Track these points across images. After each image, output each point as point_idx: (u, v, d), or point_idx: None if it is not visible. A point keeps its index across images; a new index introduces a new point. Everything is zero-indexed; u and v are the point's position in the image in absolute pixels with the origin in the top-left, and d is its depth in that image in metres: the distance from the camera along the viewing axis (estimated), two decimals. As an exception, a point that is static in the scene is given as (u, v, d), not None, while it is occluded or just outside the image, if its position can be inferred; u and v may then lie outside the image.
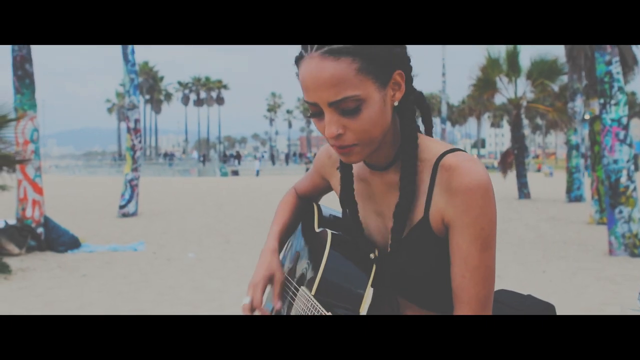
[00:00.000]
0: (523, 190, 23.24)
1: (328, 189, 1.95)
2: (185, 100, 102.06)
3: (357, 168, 1.71)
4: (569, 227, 14.50)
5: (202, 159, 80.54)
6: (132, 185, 16.81)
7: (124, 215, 16.68)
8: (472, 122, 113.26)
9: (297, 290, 1.73)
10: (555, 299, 7.23)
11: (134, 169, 16.92)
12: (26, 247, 10.67)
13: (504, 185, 26.69)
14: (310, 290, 1.61)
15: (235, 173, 56.56)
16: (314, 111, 1.49)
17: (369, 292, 1.58)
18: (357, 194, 1.71)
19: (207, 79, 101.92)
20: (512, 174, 24.52)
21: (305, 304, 1.61)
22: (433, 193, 1.53)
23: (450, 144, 1.60)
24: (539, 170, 53.59)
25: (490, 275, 1.51)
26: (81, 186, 33.02)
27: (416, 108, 1.64)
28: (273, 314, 1.79)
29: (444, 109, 26.58)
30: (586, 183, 21.77)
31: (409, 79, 1.56)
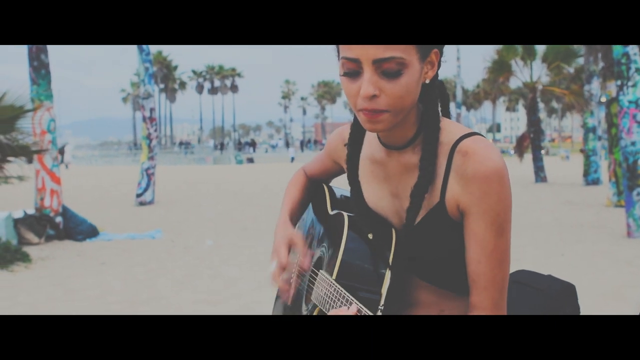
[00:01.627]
0: (540, 174, 23.14)
1: (338, 172, 1.94)
2: (200, 88, 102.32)
3: (372, 149, 1.69)
4: (587, 210, 14.43)
5: (219, 147, 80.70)
6: (148, 174, 16.88)
7: (141, 203, 16.76)
8: (487, 106, 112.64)
9: (316, 274, 1.73)
10: (574, 282, 7.18)
11: (150, 158, 16.99)
12: (45, 237, 10.75)
13: (521, 169, 26.57)
14: (331, 275, 1.60)
15: (251, 160, 56.63)
16: (350, 69, 1.46)
17: (389, 273, 1.58)
18: (373, 175, 1.70)
19: (221, 67, 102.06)
20: (528, 158, 24.40)
21: (328, 288, 1.61)
22: (449, 178, 1.52)
23: (468, 128, 1.59)
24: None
25: (505, 259, 1.52)
26: (98, 176, 33.21)
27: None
28: (296, 274, 1.79)
29: (459, 93, 26.47)
30: (603, 166, 21.62)
31: (439, 62, 1.56)
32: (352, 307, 1.48)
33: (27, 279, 7.88)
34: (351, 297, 1.52)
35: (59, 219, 11.25)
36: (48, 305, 6.57)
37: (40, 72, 11.40)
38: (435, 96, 1.58)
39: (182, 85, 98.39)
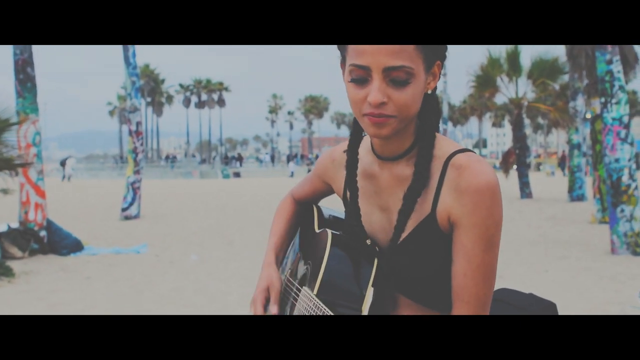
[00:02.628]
0: (525, 190, 23.24)
1: (328, 192, 1.96)
2: (187, 102, 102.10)
3: (363, 164, 1.72)
4: (571, 226, 14.51)
5: (202, 161, 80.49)
6: (134, 188, 16.83)
7: (127, 217, 16.70)
8: (473, 122, 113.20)
9: (300, 291, 1.74)
10: (558, 299, 7.22)
11: (136, 172, 16.94)
12: (29, 251, 10.68)
13: (506, 184, 26.67)
14: (313, 290, 1.62)
15: (237, 175, 56.53)
16: (359, 75, 1.49)
17: (370, 291, 1.60)
18: (362, 191, 1.72)
19: (208, 81, 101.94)
20: (514, 174, 24.51)
21: (308, 303, 1.63)
22: (441, 190, 1.55)
23: (460, 144, 1.62)
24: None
25: (491, 275, 1.53)
26: (83, 189, 33.04)
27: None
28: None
29: (445, 109, 26.54)
30: (588, 182, 21.77)
31: (440, 74, 1.60)
32: None
33: (10, 294, 7.82)
34: (328, 310, 1.53)
35: (43, 233, 11.18)
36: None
37: (26, 85, 11.36)
38: (433, 109, 1.62)
39: (169, 98, 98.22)
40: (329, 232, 1.70)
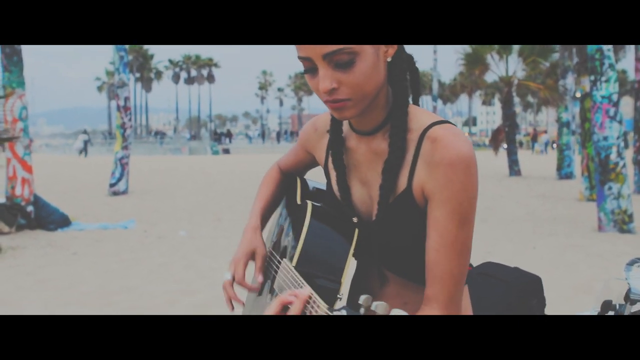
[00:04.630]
0: (514, 168, 23.29)
1: (312, 163, 1.93)
2: (176, 78, 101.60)
3: (345, 138, 1.69)
4: (559, 204, 14.56)
5: (192, 137, 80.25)
6: (122, 164, 16.74)
7: (115, 193, 16.63)
8: (463, 100, 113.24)
9: (280, 263, 1.73)
10: (546, 276, 7.25)
11: (124, 147, 16.85)
12: (16, 226, 10.63)
13: (495, 162, 26.77)
14: (292, 262, 1.60)
15: (227, 151, 56.40)
16: (307, 67, 1.48)
17: (350, 263, 1.58)
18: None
19: (198, 57, 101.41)
20: (502, 152, 24.56)
21: (287, 275, 1.61)
22: (417, 164, 1.51)
23: (439, 116, 1.59)
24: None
25: (465, 252, 1.49)
26: (71, 165, 32.91)
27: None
28: (256, 286, 1.78)
29: (435, 86, 26.51)
30: (576, 160, 21.84)
31: None
32: (303, 290, 1.43)
33: (-3, 269, 7.79)
34: (304, 282, 1.51)
35: (30, 208, 11.13)
36: (18, 295, 6.50)
37: (12, 59, 11.24)
38: (402, 78, 1.57)
39: (158, 74, 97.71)
40: (309, 203, 1.68)
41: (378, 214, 1.59)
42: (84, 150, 45.13)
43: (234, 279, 1.78)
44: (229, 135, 79.70)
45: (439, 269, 1.47)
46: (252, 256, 1.81)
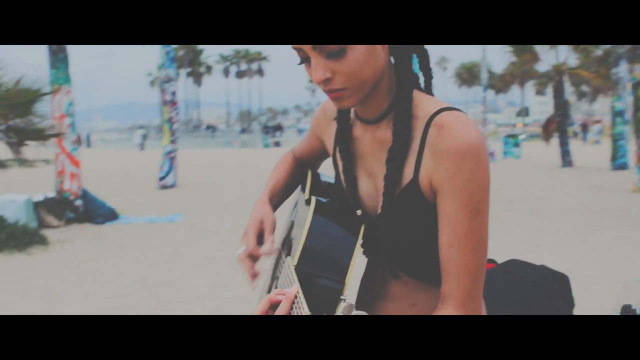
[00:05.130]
0: (566, 158, 22.80)
1: (325, 152, 1.84)
2: (226, 72, 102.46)
3: (352, 126, 1.61)
4: (613, 195, 14.18)
5: (243, 130, 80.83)
6: (170, 158, 16.91)
7: (163, 187, 16.80)
8: (516, 90, 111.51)
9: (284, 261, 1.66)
10: (595, 269, 7.08)
11: (172, 141, 17.01)
12: (65, 219, 10.80)
13: (547, 153, 26.28)
14: (293, 261, 1.52)
15: (278, 144, 56.63)
16: (301, 57, 1.40)
17: (354, 262, 1.49)
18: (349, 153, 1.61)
19: (247, 51, 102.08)
20: (554, 142, 24.07)
21: (287, 274, 1.53)
22: (423, 153, 1.41)
23: (447, 103, 1.48)
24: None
25: (481, 245, 1.38)
26: (125, 159, 33.41)
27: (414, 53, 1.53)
28: (268, 250, 1.66)
29: (484, 76, 25.96)
30: (631, 150, 21.27)
31: None
32: (291, 289, 1.36)
33: (44, 262, 7.91)
34: (296, 281, 1.43)
35: (78, 202, 11.29)
36: (62, 288, 6.58)
37: (58, 56, 11.40)
38: (406, 62, 1.47)
39: (209, 69, 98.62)
40: (314, 199, 1.60)
41: (383, 207, 1.50)
42: (141, 144, 45.80)
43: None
44: (279, 128, 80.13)
45: (454, 265, 1.37)
46: (262, 224, 1.72)
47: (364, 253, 1.61)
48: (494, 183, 15.77)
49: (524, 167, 22.94)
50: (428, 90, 1.56)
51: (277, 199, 1.87)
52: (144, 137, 45.52)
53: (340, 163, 1.64)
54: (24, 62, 11.55)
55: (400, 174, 1.46)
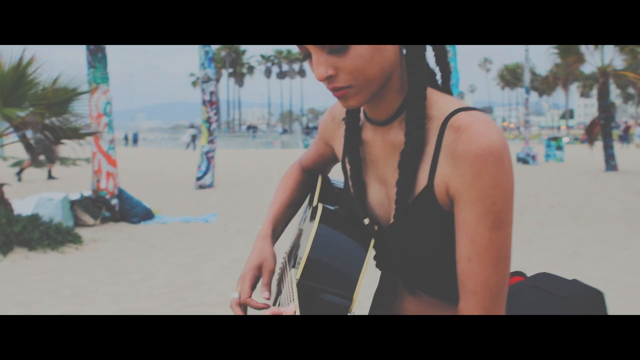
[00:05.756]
0: (610, 162, 22.29)
1: (335, 158, 1.71)
2: (268, 73, 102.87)
3: (362, 129, 1.47)
4: (658, 200, 13.78)
5: (284, 131, 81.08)
6: (208, 157, 16.91)
7: (201, 187, 16.81)
8: (560, 92, 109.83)
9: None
10: (637, 279, 6.81)
11: (210, 141, 17.01)
12: (101, 218, 10.83)
13: (591, 157, 25.74)
14: (297, 274, 1.39)
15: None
16: (304, 53, 1.30)
17: (363, 276, 1.35)
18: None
19: (289, 51, 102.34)
20: (598, 145, 23.55)
21: (290, 288, 1.40)
22: (439, 157, 1.27)
23: (465, 102, 1.33)
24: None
25: (502, 259, 1.24)
26: (166, 158, 33.65)
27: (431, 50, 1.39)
28: (262, 305, 1.53)
29: (527, 77, 25.51)
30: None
31: None
32: (288, 308, 1.24)
33: (76, 261, 7.90)
34: (296, 298, 1.30)
35: (114, 201, 11.32)
36: (91, 287, 6.55)
37: (96, 56, 11.44)
38: (419, 56, 1.32)
39: (250, 69, 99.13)
40: (320, 206, 1.46)
41: (395, 217, 1.35)
42: (191, 143, 45.62)
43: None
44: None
45: (472, 281, 1.24)
46: (259, 270, 1.60)
47: (377, 266, 1.47)
48: (534, 187, 15.37)
49: (566, 171, 22.49)
50: (446, 88, 1.41)
51: (281, 226, 1.74)
52: (194, 136, 45.02)
53: (348, 168, 1.50)
54: (63, 61, 11.61)
55: (414, 180, 1.32)
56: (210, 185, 16.97)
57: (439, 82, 1.42)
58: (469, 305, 1.25)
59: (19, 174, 17.70)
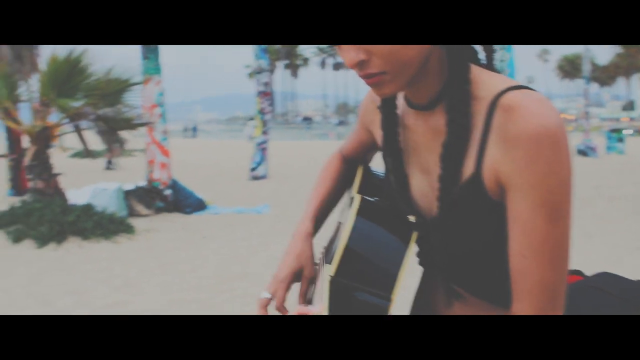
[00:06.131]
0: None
1: (374, 145, 1.57)
2: (323, 64, 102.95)
3: (400, 112, 1.33)
4: None
5: (340, 122, 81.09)
6: (262, 149, 16.93)
7: (255, 178, 16.84)
8: (621, 83, 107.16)
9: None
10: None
11: (264, 132, 17.02)
12: (154, 209, 10.89)
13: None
14: (331, 270, 1.26)
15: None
16: None
17: (403, 274, 1.22)
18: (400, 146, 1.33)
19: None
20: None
21: (322, 285, 1.27)
22: (487, 142, 1.13)
23: (515, 81, 1.18)
24: None
25: (561, 255, 1.09)
26: (222, 150, 33.91)
27: None
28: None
29: (587, 67, 24.75)
30: None
31: None
32: (314, 308, 1.12)
33: (128, 251, 7.94)
34: (326, 297, 1.18)
35: (168, 192, 11.38)
36: (140, 278, 6.56)
37: (149, 47, 11.50)
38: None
39: (305, 61, 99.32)
40: (358, 197, 1.33)
41: (439, 210, 1.22)
42: (251, 135, 46.08)
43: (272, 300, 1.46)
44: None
45: (526, 280, 1.09)
46: (297, 276, 1.47)
47: (420, 263, 1.34)
48: (595, 180, 14.97)
49: (628, 164, 21.86)
50: (490, 65, 1.26)
51: (322, 220, 1.61)
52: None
53: (389, 158, 1.36)
54: (116, 52, 11.73)
55: (460, 169, 1.17)
56: (263, 177, 16.98)
57: (482, 61, 1.27)
58: (523, 306, 1.10)
59: (109, 163, 20.63)
